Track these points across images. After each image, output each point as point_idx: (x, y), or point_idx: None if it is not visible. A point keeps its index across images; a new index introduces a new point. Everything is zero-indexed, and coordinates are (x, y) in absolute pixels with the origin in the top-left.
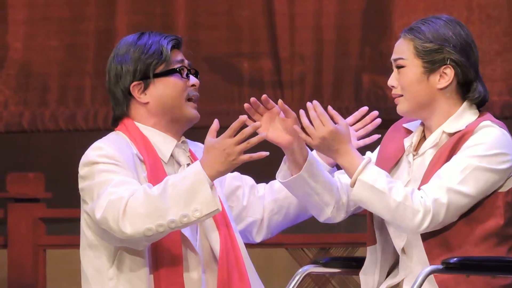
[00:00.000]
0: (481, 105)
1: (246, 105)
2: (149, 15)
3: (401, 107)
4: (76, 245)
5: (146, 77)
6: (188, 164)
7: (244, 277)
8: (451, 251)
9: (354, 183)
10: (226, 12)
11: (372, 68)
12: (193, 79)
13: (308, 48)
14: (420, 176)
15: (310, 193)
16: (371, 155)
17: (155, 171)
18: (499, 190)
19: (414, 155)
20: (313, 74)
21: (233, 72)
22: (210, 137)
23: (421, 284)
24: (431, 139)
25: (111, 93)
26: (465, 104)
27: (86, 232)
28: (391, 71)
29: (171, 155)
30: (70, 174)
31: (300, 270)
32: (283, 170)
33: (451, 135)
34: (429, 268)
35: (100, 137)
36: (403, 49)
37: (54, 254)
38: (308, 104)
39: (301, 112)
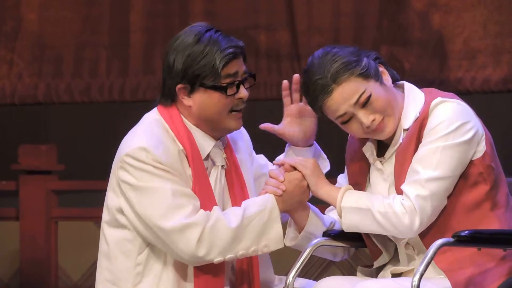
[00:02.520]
0: (398, 79)
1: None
2: None
3: (390, 127)
4: (89, 218)
5: (193, 84)
6: (222, 166)
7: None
8: (449, 231)
9: (341, 213)
10: None
11: (391, 40)
12: (242, 93)
13: (326, 21)
14: (394, 177)
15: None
16: (343, 178)
17: (198, 168)
18: (474, 158)
19: (381, 161)
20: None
21: (250, 44)
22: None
23: (431, 257)
24: (395, 143)
25: (163, 78)
26: (406, 91)
27: (119, 218)
28: (407, 46)
29: (208, 154)
30: (83, 147)
31: (311, 243)
32: (291, 233)
33: (410, 127)
34: (440, 241)
35: (115, 110)
36: (353, 89)
37: (66, 226)
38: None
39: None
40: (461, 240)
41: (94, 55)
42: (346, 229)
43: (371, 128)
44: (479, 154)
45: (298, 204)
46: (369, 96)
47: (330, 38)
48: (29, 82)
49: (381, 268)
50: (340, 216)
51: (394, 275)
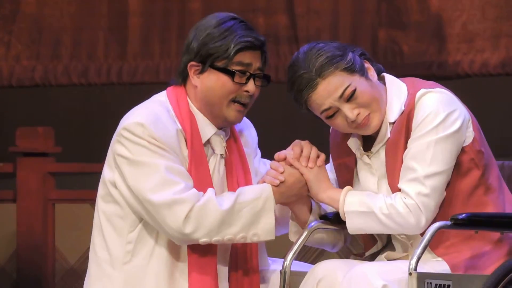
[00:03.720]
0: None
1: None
2: None
3: (375, 121)
4: (86, 200)
5: (204, 63)
6: (222, 156)
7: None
8: (446, 220)
9: (344, 217)
10: None
11: (389, 24)
12: (250, 85)
13: (324, 4)
14: (385, 170)
15: (322, 238)
16: (328, 171)
17: (196, 150)
18: (465, 144)
19: (369, 156)
20: (329, 30)
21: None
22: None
23: (429, 240)
24: (382, 136)
25: (183, 54)
26: (388, 84)
27: (113, 192)
28: (406, 29)
29: (208, 140)
30: (80, 129)
31: (309, 225)
32: (294, 227)
33: (395, 120)
34: (438, 224)
35: (113, 92)
36: (338, 83)
37: (63, 208)
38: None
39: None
40: (458, 223)
41: (92, 37)
42: (351, 232)
43: (356, 123)
44: (468, 141)
45: (295, 197)
46: (354, 90)
47: (328, 21)
48: (27, 64)
49: (375, 256)
50: (344, 219)
51: (389, 260)
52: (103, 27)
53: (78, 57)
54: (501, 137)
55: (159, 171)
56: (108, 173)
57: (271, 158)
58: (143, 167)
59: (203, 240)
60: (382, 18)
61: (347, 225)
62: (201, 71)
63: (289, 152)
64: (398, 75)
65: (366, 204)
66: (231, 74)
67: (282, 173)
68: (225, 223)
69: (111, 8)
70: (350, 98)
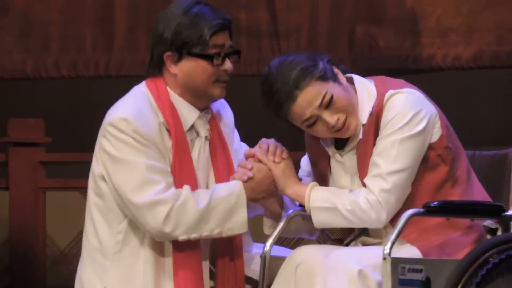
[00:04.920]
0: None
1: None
2: None
3: (354, 124)
4: (75, 188)
5: (180, 51)
6: (206, 137)
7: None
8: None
9: (311, 211)
10: None
11: (366, 19)
12: (227, 65)
13: (304, 0)
14: (356, 168)
15: (299, 227)
16: (305, 164)
17: (179, 140)
18: (431, 142)
19: (341, 155)
20: (308, 25)
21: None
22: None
23: (402, 226)
24: (354, 137)
25: (150, 49)
26: (357, 86)
27: (101, 185)
28: (382, 25)
29: (192, 125)
30: (70, 120)
31: (287, 213)
32: (268, 222)
33: (366, 122)
34: (411, 211)
35: (101, 85)
36: (316, 92)
37: (53, 196)
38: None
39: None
40: (430, 211)
41: (80, 31)
42: (317, 226)
43: (336, 128)
44: (435, 137)
45: (265, 193)
46: (331, 97)
47: (307, 17)
48: (18, 58)
49: (350, 241)
50: (310, 214)
51: (364, 246)
52: (90, 21)
53: (67, 51)
54: (472, 128)
55: (141, 171)
56: (96, 167)
57: (251, 144)
58: (125, 165)
59: (182, 237)
60: (359, 13)
61: (313, 220)
62: (178, 60)
63: (257, 149)
64: (374, 69)
65: (330, 200)
66: (209, 58)
67: (250, 169)
68: (202, 221)
69: (97, 2)
70: (328, 105)
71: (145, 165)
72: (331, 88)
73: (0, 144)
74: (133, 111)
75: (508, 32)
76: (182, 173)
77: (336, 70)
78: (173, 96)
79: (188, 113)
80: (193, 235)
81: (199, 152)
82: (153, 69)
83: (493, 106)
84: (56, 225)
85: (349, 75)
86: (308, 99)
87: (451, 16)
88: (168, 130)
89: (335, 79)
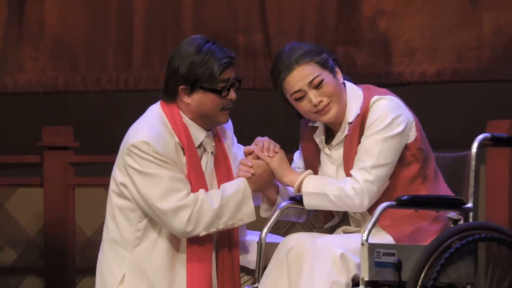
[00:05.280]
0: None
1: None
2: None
3: (333, 111)
4: (100, 185)
5: (193, 86)
6: (212, 153)
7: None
8: (391, 200)
9: (303, 196)
10: None
11: (345, 41)
12: (232, 94)
13: (293, 25)
14: (342, 160)
15: (290, 213)
16: (297, 156)
17: (192, 157)
18: (408, 142)
19: (330, 148)
20: None
21: (231, 44)
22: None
23: (378, 217)
24: (341, 133)
25: (166, 78)
26: (348, 90)
27: (123, 190)
28: (359, 46)
29: (201, 143)
30: (95, 127)
31: (280, 206)
32: (264, 206)
33: (353, 120)
34: (385, 204)
35: (121, 98)
36: (310, 71)
37: (81, 192)
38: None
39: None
40: (401, 203)
41: (104, 52)
42: (307, 208)
43: (317, 108)
44: (411, 139)
45: (266, 184)
46: (322, 81)
47: (296, 39)
48: (51, 75)
49: (334, 229)
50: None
51: (345, 233)
52: (112, 43)
53: (92, 69)
54: (436, 133)
55: (165, 181)
56: (119, 175)
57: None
58: (151, 177)
59: (202, 233)
60: (340, 36)
61: (304, 203)
62: (191, 92)
63: (254, 147)
64: (353, 83)
65: (320, 187)
66: (218, 92)
67: (251, 167)
68: (218, 217)
69: (119, 27)
70: (317, 86)
71: (168, 177)
72: (324, 74)
73: (36, 148)
74: (153, 135)
75: (466, 52)
76: (196, 182)
77: (337, 69)
78: (185, 119)
79: (197, 133)
80: (211, 230)
81: (206, 164)
82: (168, 97)
83: (454, 114)
84: (83, 217)
85: (345, 81)
86: (302, 74)
87: (417, 39)
88: (182, 148)
89: (332, 71)
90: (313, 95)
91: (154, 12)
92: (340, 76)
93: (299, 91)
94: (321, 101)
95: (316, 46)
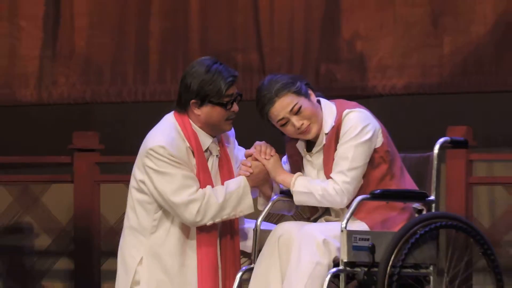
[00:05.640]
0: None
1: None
2: (173, 21)
3: (314, 130)
4: (121, 181)
5: (203, 100)
6: (217, 156)
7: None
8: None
9: (293, 194)
10: (227, 20)
11: (328, 60)
12: (235, 107)
13: (283, 46)
14: (322, 165)
15: (281, 206)
16: (284, 162)
17: (200, 159)
18: (376, 147)
19: (311, 155)
20: (287, 64)
21: (231, 61)
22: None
23: (355, 208)
24: (320, 142)
25: (179, 93)
26: (323, 106)
27: (144, 188)
28: (339, 63)
29: (208, 147)
30: (117, 133)
31: (272, 198)
32: (261, 200)
33: (329, 131)
34: (360, 197)
35: (139, 107)
36: (289, 101)
37: (105, 187)
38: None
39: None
40: (374, 196)
41: (125, 69)
42: (297, 203)
43: (300, 130)
44: (379, 144)
45: (262, 182)
46: (300, 107)
47: (287, 58)
48: (79, 88)
49: (317, 219)
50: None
51: (327, 222)
52: (132, 61)
53: (115, 83)
54: (403, 136)
55: (178, 179)
56: (138, 174)
57: (247, 147)
58: (166, 176)
59: (209, 223)
60: (323, 56)
61: (294, 199)
62: (200, 105)
63: (253, 150)
64: (334, 95)
65: (307, 187)
66: (224, 105)
67: (250, 167)
68: (222, 209)
69: (138, 48)
70: (297, 112)
71: (181, 175)
72: (301, 101)
73: (68, 150)
74: (168, 140)
75: (429, 69)
76: (203, 180)
77: (310, 91)
78: (195, 127)
79: (205, 139)
80: (216, 220)
81: (212, 165)
82: (180, 108)
83: (419, 121)
84: (107, 208)
85: (319, 98)
86: (282, 105)
87: (388, 58)
88: (192, 152)
89: (307, 96)
90: (295, 120)
91: (166, 35)
92: (313, 97)
93: (282, 118)
94: (302, 124)
95: (290, 77)
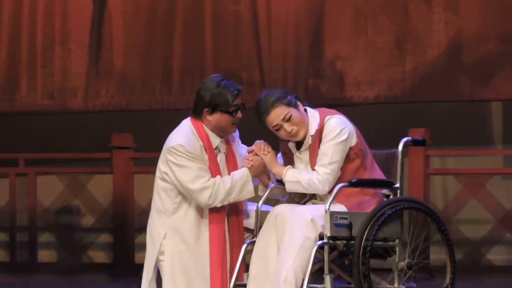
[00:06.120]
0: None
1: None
2: (191, 46)
3: (301, 133)
4: (150, 172)
5: (214, 109)
6: (224, 152)
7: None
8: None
9: (285, 183)
10: (234, 45)
11: (314, 76)
12: (239, 114)
13: (279, 66)
14: (308, 160)
15: (277, 193)
16: (279, 157)
17: (211, 155)
18: (351, 145)
19: (299, 153)
20: (281, 79)
21: (237, 78)
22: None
23: (336, 193)
24: (307, 142)
25: (195, 103)
26: (308, 113)
27: (167, 178)
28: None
29: (217, 146)
30: (147, 134)
31: (270, 186)
32: (260, 187)
33: (314, 134)
34: (341, 184)
35: (165, 113)
36: (281, 111)
37: (138, 177)
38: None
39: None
40: (352, 184)
41: (153, 84)
42: (288, 191)
43: (291, 134)
44: (353, 143)
45: (261, 173)
46: (290, 115)
47: (281, 75)
48: (117, 99)
49: (306, 202)
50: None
51: (313, 205)
52: (158, 78)
53: (145, 95)
54: (375, 137)
55: (194, 170)
56: (162, 166)
57: (249, 144)
58: (184, 168)
59: (219, 205)
60: (310, 73)
61: (286, 187)
62: (211, 113)
63: (254, 147)
64: (319, 104)
65: (296, 177)
66: (231, 113)
67: (251, 160)
68: (229, 194)
69: (163, 67)
70: (288, 120)
71: (196, 167)
72: (291, 110)
73: (108, 147)
74: (185, 140)
75: (395, 83)
76: (214, 171)
77: (298, 102)
78: (207, 130)
79: (214, 139)
80: (225, 202)
81: (220, 160)
82: (196, 115)
83: (387, 124)
84: (139, 193)
85: (306, 107)
86: (276, 114)
87: (362, 74)
88: (204, 149)
89: (296, 106)
90: (286, 126)
91: (186, 57)
92: (301, 107)
93: (276, 125)
94: (292, 129)
95: (282, 91)
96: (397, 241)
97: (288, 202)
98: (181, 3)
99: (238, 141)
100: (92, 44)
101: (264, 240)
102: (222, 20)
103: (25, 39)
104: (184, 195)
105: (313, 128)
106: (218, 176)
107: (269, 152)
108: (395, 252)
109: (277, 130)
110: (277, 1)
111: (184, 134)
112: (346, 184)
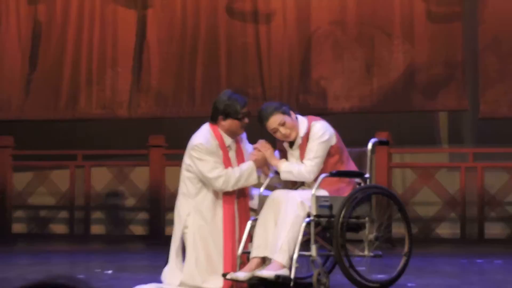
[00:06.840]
0: (299, 114)
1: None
2: (209, 71)
3: (293, 136)
4: (178, 165)
5: (226, 116)
6: (234, 150)
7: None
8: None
9: (280, 173)
10: (242, 69)
11: (303, 92)
12: (246, 120)
13: (277, 83)
14: (299, 156)
15: (275, 181)
16: (276, 153)
17: (224, 151)
18: (331, 144)
19: (292, 150)
20: (278, 94)
21: (244, 93)
22: (257, 151)
23: (320, 181)
24: (297, 142)
25: (212, 112)
26: (299, 120)
27: (190, 169)
28: (311, 94)
29: (229, 145)
30: (175, 135)
31: (269, 176)
32: (262, 176)
33: (303, 135)
34: (324, 174)
35: (190, 121)
36: (278, 118)
37: (169, 169)
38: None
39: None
40: (333, 174)
41: (181, 98)
42: (283, 179)
43: (285, 136)
44: (333, 142)
45: (263, 165)
46: (285, 122)
47: (278, 91)
48: (154, 109)
49: (297, 188)
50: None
51: (303, 190)
52: (185, 93)
53: (176, 106)
54: (351, 138)
55: (211, 162)
56: (187, 160)
57: (253, 142)
58: (204, 161)
59: (230, 189)
60: (300, 90)
61: (281, 176)
62: (225, 119)
63: (257, 145)
64: (307, 113)
65: (289, 168)
66: (240, 120)
67: (255, 155)
68: (238, 181)
69: (188, 85)
70: (283, 125)
71: (213, 161)
72: (285, 118)
73: (146, 146)
74: (205, 139)
75: (364, 98)
76: (226, 164)
77: (291, 111)
78: (221, 132)
79: (227, 139)
80: (235, 187)
81: (231, 155)
82: (212, 121)
83: (359, 129)
84: (169, 181)
85: (297, 115)
86: (274, 120)
87: (340, 90)
88: (219, 147)
89: (289, 114)
90: (282, 129)
91: (206, 77)
92: (293, 115)
93: (274, 128)
94: (286, 132)
95: (279, 103)
96: (367, 218)
97: (284, 188)
98: (203, 38)
99: (245, 140)
100: (134, 67)
101: (264, 218)
102: (233, 50)
103: (84, 64)
104: (204, 182)
105: (302, 131)
106: (229, 168)
107: (269, 149)
108: (365, 227)
109: (275, 132)
110: (275, 35)
111: (203, 135)
112: (328, 174)
